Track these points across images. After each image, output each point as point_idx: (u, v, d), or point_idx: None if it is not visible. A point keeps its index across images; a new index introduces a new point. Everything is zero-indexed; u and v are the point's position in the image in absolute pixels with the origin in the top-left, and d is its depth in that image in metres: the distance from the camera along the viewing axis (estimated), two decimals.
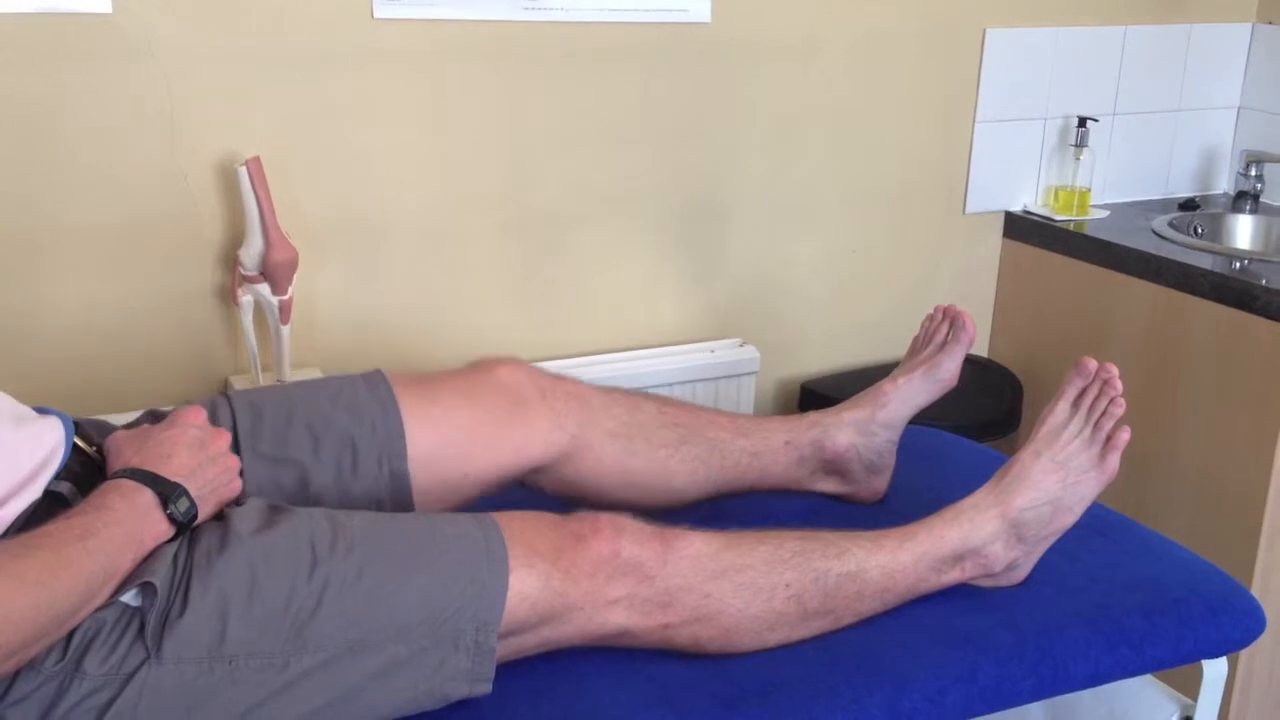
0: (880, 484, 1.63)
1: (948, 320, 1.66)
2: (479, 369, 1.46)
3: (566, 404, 1.46)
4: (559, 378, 1.50)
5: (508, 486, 1.46)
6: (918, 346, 1.68)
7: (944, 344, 1.64)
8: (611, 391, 1.52)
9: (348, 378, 1.42)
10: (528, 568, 1.22)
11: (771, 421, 1.60)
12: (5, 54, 1.65)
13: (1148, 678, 1.56)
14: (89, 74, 1.71)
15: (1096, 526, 1.56)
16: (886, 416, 1.61)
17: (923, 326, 1.69)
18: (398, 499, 1.37)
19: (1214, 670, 1.51)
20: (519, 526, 1.26)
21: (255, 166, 1.76)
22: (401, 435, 1.36)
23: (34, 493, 1.14)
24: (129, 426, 1.35)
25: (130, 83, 1.73)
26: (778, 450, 1.57)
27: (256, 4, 1.78)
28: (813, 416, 1.61)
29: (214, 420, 1.33)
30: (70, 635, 1.07)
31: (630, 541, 1.27)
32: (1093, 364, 1.44)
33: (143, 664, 1.08)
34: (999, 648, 1.36)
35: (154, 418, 1.34)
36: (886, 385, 1.63)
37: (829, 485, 1.61)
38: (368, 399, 1.38)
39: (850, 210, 2.36)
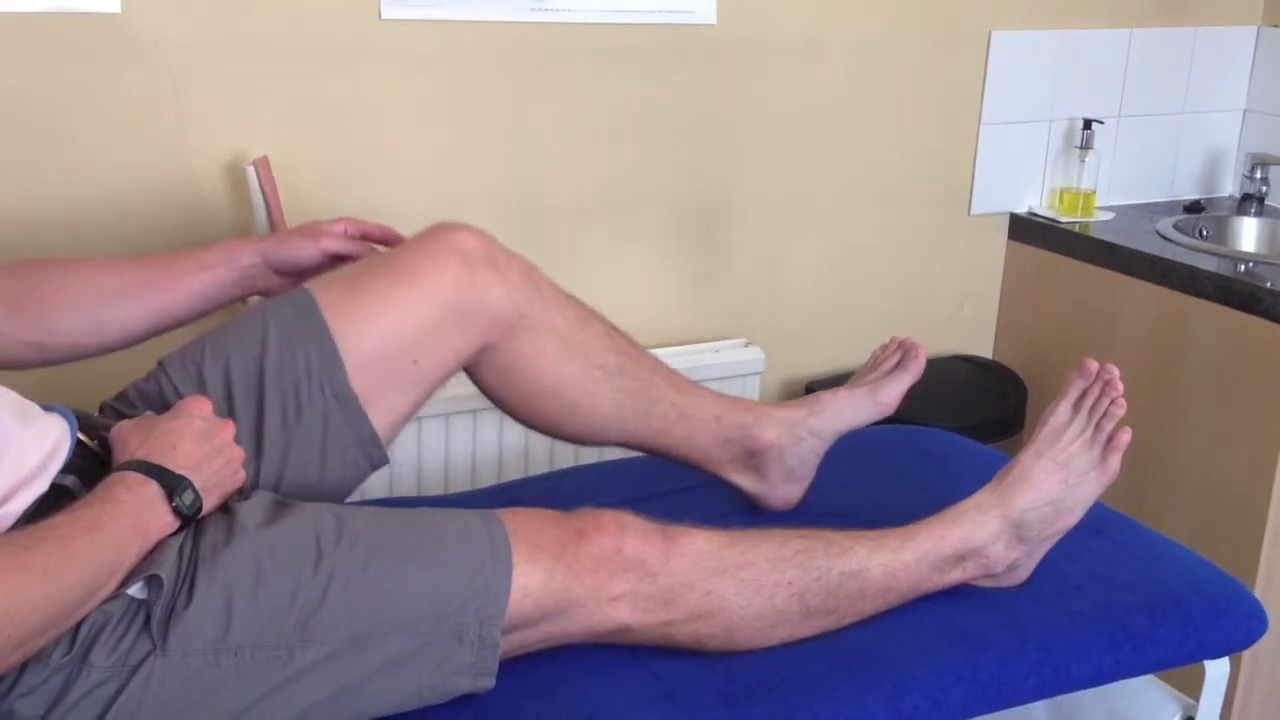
0: (794, 493, 1.59)
1: (900, 351, 1.65)
2: (429, 238, 1.42)
3: (521, 281, 1.44)
4: (516, 255, 1.46)
5: (463, 363, 1.43)
6: (865, 370, 1.67)
7: (891, 371, 1.63)
8: (566, 294, 1.50)
9: (273, 305, 1.39)
10: (531, 563, 1.22)
11: (708, 392, 1.58)
12: (14, 52, 1.66)
13: (1150, 678, 1.57)
14: (97, 73, 1.72)
15: (1098, 527, 1.56)
16: (818, 424, 1.58)
17: (874, 355, 1.68)
18: (349, 416, 1.35)
19: (1216, 670, 1.51)
20: (522, 522, 1.26)
21: (263, 165, 1.77)
22: (338, 359, 1.34)
23: (40, 487, 1.15)
24: (119, 404, 1.36)
25: (138, 82, 1.74)
26: (707, 422, 1.54)
27: (265, 4, 1.79)
28: (748, 403, 1.60)
29: (160, 395, 1.34)
30: (77, 628, 1.08)
31: (633, 538, 1.27)
32: (1094, 365, 1.44)
33: (149, 656, 1.09)
34: (1001, 646, 1.36)
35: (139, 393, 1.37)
36: (825, 395, 1.61)
37: (744, 480, 1.58)
38: (298, 327, 1.35)
39: (855, 211, 2.37)
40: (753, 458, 1.56)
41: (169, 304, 1.44)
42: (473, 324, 1.40)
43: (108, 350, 1.44)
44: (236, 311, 1.47)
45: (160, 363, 1.38)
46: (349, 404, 1.35)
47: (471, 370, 1.46)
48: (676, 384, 1.54)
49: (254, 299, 1.52)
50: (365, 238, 1.53)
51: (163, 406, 1.30)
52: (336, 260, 1.51)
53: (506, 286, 1.41)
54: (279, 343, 1.34)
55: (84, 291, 1.41)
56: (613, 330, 1.52)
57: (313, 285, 1.39)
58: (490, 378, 1.46)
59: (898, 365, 1.63)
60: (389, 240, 1.53)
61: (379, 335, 1.36)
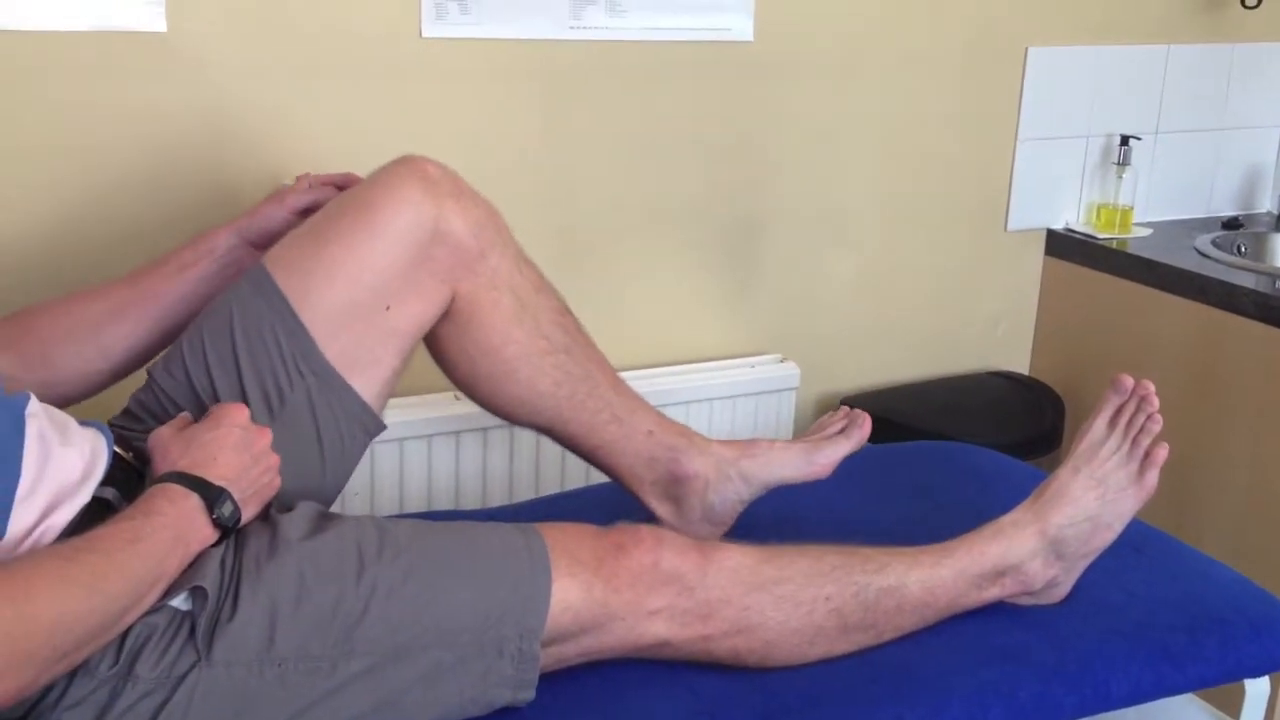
0: (708, 535, 1.52)
1: (846, 419, 1.62)
2: (387, 169, 1.37)
3: (484, 218, 1.40)
4: (482, 197, 1.42)
5: (435, 311, 1.38)
6: (809, 432, 1.64)
7: (833, 436, 1.60)
8: (526, 255, 1.47)
9: (234, 290, 1.36)
10: (570, 576, 1.23)
11: (647, 405, 1.53)
12: (62, 70, 1.69)
13: (1189, 696, 1.56)
14: (143, 91, 1.74)
15: (1138, 544, 1.56)
16: (749, 468, 1.54)
17: (820, 420, 1.66)
18: (333, 390, 1.34)
19: (1256, 689, 1.50)
20: (561, 536, 1.27)
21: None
22: (305, 334, 1.32)
23: (82, 499, 1.16)
24: (124, 419, 1.37)
25: (183, 100, 1.77)
26: (639, 434, 1.51)
27: (307, 24, 1.81)
28: (683, 428, 1.55)
29: (159, 405, 1.34)
30: (123, 640, 1.09)
31: (670, 552, 1.28)
32: (1129, 381, 1.44)
33: (194, 667, 1.10)
34: (1040, 664, 1.36)
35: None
36: (763, 442, 1.58)
37: (661, 508, 1.53)
38: (260, 308, 1.33)
39: (891, 227, 2.37)
40: (675, 484, 1.52)
41: (162, 312, 1.43)
42: (437, 260, 1.35)
43: (121, 373, 1.44)
44: None
45: (149, 372, 1.38)
46: (329, 378, 1.33)
47: (433, 334, 1.42)
48: (617, 386, 1.52)
49: None
50: (329, 185, 1.49)
51: (164, 416, 1.31)
52: (308, 215, 1.45)
53: (468, 219, 1.37)
54: (245, 330, 1.32)
55: (78, 322, 1.41)
56: (565, 309, 1.49)
57: (270, 255, 1.36)
58: (444, 330, 1.41)
59: (841, 432, 1.60)
60: (349, 185, 1.47)
61: (345, 283, 1.32)
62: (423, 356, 1.46)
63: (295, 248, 1.36)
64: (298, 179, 1.51)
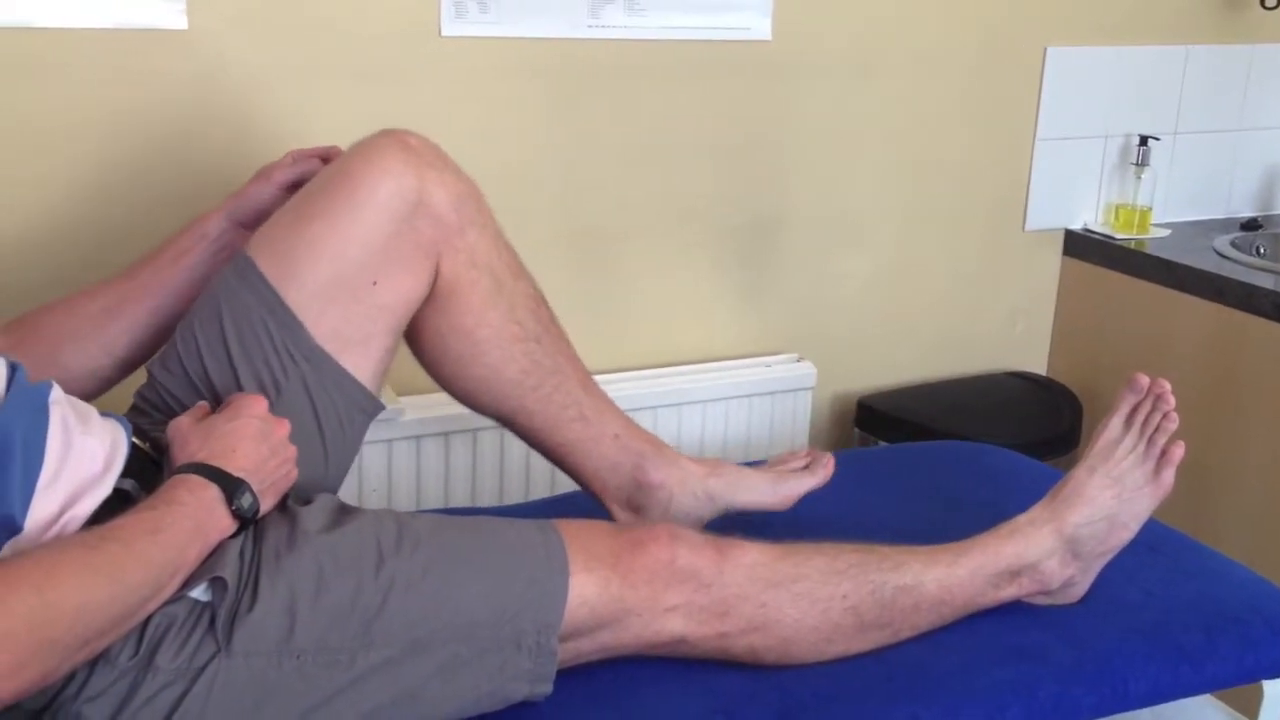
0: None
1: (809, 458, 1.62)
2: (368, 141, 1.36)
3: (466, 192, 1.38)
4: (466, 175, 1.40)
5: (423, 287, 1.37)
6: (774, 463, 1.63)
7: (798, 470, 1.59)
8: (506, 239, 1.44)
9: (220, 279, 1.35)
10: (587, 572, 1.23)
11: (616, 409, 1.52)
12: (84, 68, 1.70)
13: (1207, 697, 1.56)
14: (164, 89, 1.75)
15: (1155, 544, 1.56)
16: (714, 486, 1.53)
17: (783, 455, 1.65)
18: (327, 373, 1.33)
19: (1275, 690, 1.49)
20: (578, 532, 1.27)
21: None
22: (293, 318, 1.31)
23: (105, 490, 1.16)
24: (132, 415, 1.36)
25: (204, 97, 1.78)
26: (605, 436, 1.49)
27: (327, 22, 1.82)
28: (651, 436, 1.53)
29: (163, 401, 1.34)
30: (143, 630, 1.10)
31: (686, 549, 1.28)
32: (1145, 380, 1.44)
33: (213, 658, 1.11)
34: (1058, 664, 1.35)
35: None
36: (731, 465, 1.57)
37: (622, 515, 1.51)
38: (246, 297, 1.32)
39: (909, 226, 2.37)
40: (639, 491, 1.50)
41: (161, 303, 1.42)
42: (418, 230, 1.33)
43: (128, 367, 1.44)
44: None
45: (149, 369, 1.39)
46: (322, 362, 1.32)
47: (415, 321, 1.40)
48: (587, 385, 1.50)
49: None
50: (316, 159, 1.48)
51: (168, 411, 1.32)
52: (295, 189, 1.43)
53: (449, 191, 1.35)
54: (235, 322, 1.31)
55: (81, 321, 1.41)
56: (541, 299, 1.47)
57: (254, 238, 1.35)
58: (426, 323, 1.40)
59: (806, 467, 1.60)
60: (332, 156, 1.45)
61: (329, 259, 1.31)
62: None
63: (278, 227, 1.35)
64: (284, 156, 1.49)
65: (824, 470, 1.59)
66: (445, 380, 1.45)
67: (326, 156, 1.46)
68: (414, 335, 1.42)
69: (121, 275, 1.45)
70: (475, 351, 1.41)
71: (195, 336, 1.34)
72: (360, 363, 1.35)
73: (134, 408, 1.38)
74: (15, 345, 1.35)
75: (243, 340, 1.31)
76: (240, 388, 1.31)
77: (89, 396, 1.37)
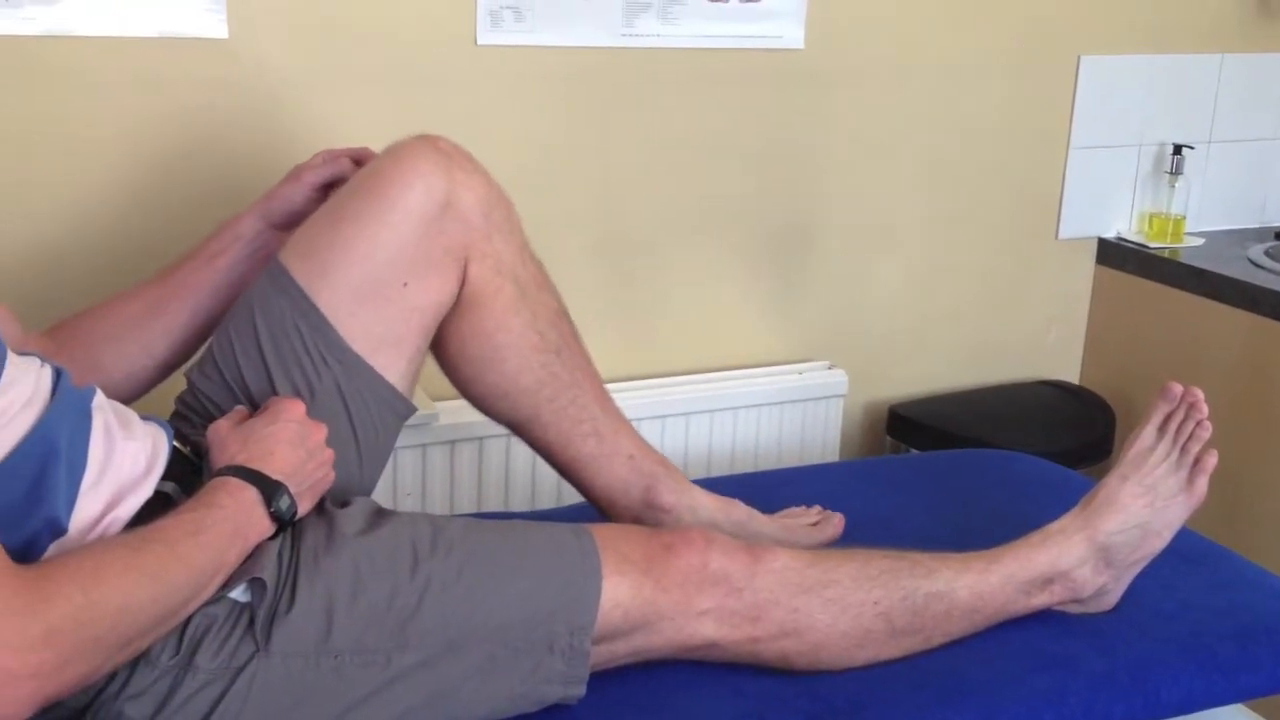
0: None
1: (820, 516, 1.61)
2: (400, 144, 1.38)
3: (494, 200, 1.39)
4: (496, 182, 1.42)
5: (451, 291, 1.38)
6: (783, 515, 1.62)
7: (808, 525, 1.59)
8: (532, 251, 1.45)
9: (255, 286, 1.37)
10: (620, 575, 1.24)
11: (632, 430, 1.52)
12: (128, 76, 1.72)
13: (1239, 706, 1.55)
14: (206, 97, 1.77)
15: (1188, 554, 1.55)
16: (724, 523, 1.52)
17: (794, 510, 1.64)
18: (360, 376, 1.34)
19: None
20: (611, 535, 1.29)
21: None
22: (324, 322, 1.32)
23: (146, 492, 1.18)
24: (174, 421, 1.38)
25: (244, 105, 1.80)
26: (619, 455, 1.49)
27: (366, 32, 1.84)
28: (665, 459, 1.53)
29: (202, 407, 1.36)
30: (183, 631, 1.11)
31: (719, 553, 1.29)
32: (1178, 388, 1.44)
33: (252, 657, 1.12)
34: (1090, 672, 1.35)
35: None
36: (743, 507, 1.56)
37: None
38: (279, 302, 1.33)
39: (942, 234, 2.37)
40: (648, 511, 1.50)
41: (198, 304, 1.45)
42: (447, 233, 1.35)
43: (166, 369, 1.46)
44: None
45: (187, 376, 1.41)
46: (355, 364, 1.34)
47: (443, 327, 1.41)
48: (605, 404, 1.50)
49: None
50: (347, 159, 1.49)
51: (207, 416, 1.33)
52: (328, 189, 1.46)
53: (478, 195, 1.37)
54: (268, 327, 1.33)
55: (119, 324, 1.43)
56: (564, 314, 1.48)
57: (286, 249, 1.37)
58: (451, 329, 1.41)
59: (815, 524, 1.60)
60: (365, 158, 1.47)
61: (361, 260, 1.32)
62: None
63: (310, 231, 1.37)
64: (314, 156, 1.51)
65: (833, 529, 1.59)
66: (462, 383, 1.45)
67: (359, 158, 1.48)
68: (435, 336, 1.43)
69: (157, 278, 1.47)
70: (494, 356, 1.42)
71: (231, 342, 1.36)
72: (392, 364, 1.36)
73: (175, 414, 1.40)
74: (57, 350, 1.37)
75: (276, 344, 1.33)
76: (275, 391, 1.33)
77: (129, 399, 1.39)
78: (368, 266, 1.33)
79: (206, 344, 1.42)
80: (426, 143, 1.37)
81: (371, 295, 1.33)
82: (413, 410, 1.41)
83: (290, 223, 1.46)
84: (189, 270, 1.46)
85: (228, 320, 1.38)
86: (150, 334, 1.43)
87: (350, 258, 1.33)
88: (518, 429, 1.49)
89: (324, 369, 1.33)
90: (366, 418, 1.37)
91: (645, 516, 1.50)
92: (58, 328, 1.44)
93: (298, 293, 1.33)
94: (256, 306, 1.35)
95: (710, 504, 1.54)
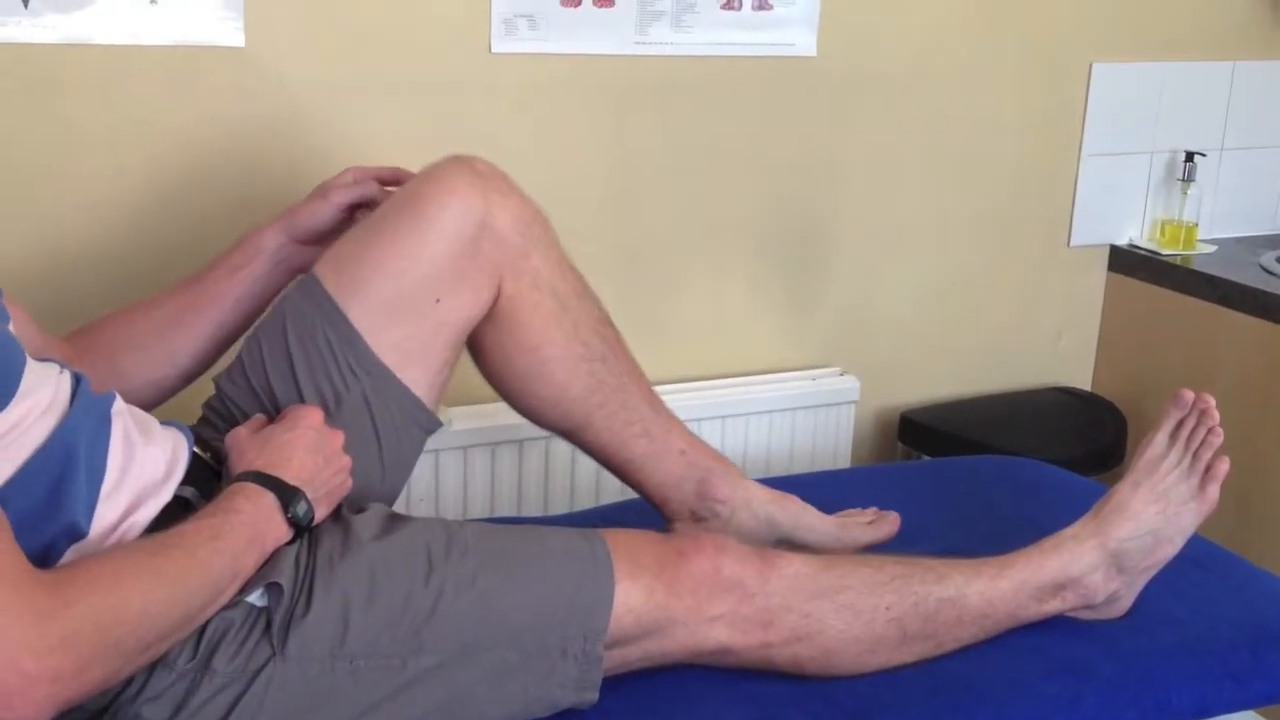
0: None
1: (876, 515, 1.62)
2: (437, 165, 1.40)
3: (530, 217, 1.41)
4: (531, 200, 1.44)
5: (483, 306, 1.40)
6: (840, 514, 1.63)
7: (864, 524, 1.60)
8: (570, 263, 1.47)
9: (287, 297, 1.39)
10: (632, 580, 1.25)
11: (682, 426, 1.54)
12: (145, 84, 1.73)
13: (1250, 713, 1.55)
14: (222, 105, 1.78)
15: (1200, 561, 1.55)
16: (777, 515, 1.54)
17: (849, 511, 1.65)
18: (388, 388, 1.36)
19: None
20: (624, 540, 1.29)
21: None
22: (355, 334, 1.34)
23: (165, 497, 1.19)
24: (201, 427, 1.40)
25: (260, 113, 1.81)
26: (671, 452, 1.51)
27: (381, 39, 1.85)
28: (717, 453, 1.56)
29: (229, 413, 1.37)
30: (200, 634, 1.12)
31: (731, 559, 1.29)
32: (1190, 395, 1.44)
33: (268, 661, 1.13)
34: (1101, 678, 1.36)
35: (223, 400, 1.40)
36: (800, 501, 1.57)
37: (685, 528, 1.52)
38: (311, 313, 1.35)
39: (953, 241, 2.37)
40: (703, 504, 1.52)
41: (220, 314, 1.46)
42: (483, 253, 1.37)
43: (189, 378, 1.48)
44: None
45: (216, 383, 1.42)
46: (383, 377, 1.35)
47: (475, 335, 1.43)
48: (652, 402, 1.52)
49: None
50: (376, 180, 1.52)
51: (233, 421, 1.35)
52: (355, 210, 1.49)
53: (514, 215, 1.39)
54: (298, 336, 1.35)
55: (142, 331, 1.45)
56: (607, 320, 1.50)
57: (321, 262, 1.39)
58: (484, 325, 1.42)
59: (871, 523, 1.60)
60: (400, 179, 1.50)
61: (394, 275, 1.35)
62: None
63: (346, 245, 1.39)
64: (344, 172, 1.52)
65: (888, 527, 1.60)
66: (511, 397, 1.48)
67: (394, 179, 1.49)
68: (480, 353, 1.45)
69: (179, 287, 1.49)
70: (541, 370, 1.44)
71: (260, 350, 1.37)
72: (419, 378, 1.38)
73: (202, 419, 1.42)
74: (78, 355, 1.39)
75: (306, 354, 1.35)
76: (302, 400, 1.34)
77: (150, 405, 1.41)
78: (402, 283, 1.35)
79: (237, 351, 1.43)
80: (463, 164, 1.39)
81: (404, 310, 1.35)
82: (438, 424, 1.43)
83: (313, 239, 1.48)
84: (211, 281, 1.48)
85: (259, 328, 1.40)
86: (173, 343, 1.45)
87: (384, 273, 1.35)
88: (570, 436, 1.52)
89: (352, 380, 1.35)
90: (391, 430, 1.38)
91: (701, 510, 1.52)
92: (79, 333, 1.45)
93: (329, 304, 1.35)
94: (288, 316, 1.37)
95: (765, 496, 1.55)
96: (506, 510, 2.00)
